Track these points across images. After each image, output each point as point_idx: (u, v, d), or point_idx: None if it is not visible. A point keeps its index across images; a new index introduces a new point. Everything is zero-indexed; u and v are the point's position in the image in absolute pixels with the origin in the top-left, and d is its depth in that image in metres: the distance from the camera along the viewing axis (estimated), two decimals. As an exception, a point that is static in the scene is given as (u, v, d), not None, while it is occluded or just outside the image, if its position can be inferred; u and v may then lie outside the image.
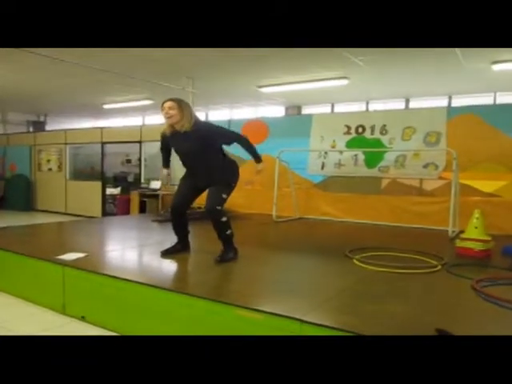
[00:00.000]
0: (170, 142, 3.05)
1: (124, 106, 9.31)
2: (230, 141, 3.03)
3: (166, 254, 3.19)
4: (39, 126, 11.62)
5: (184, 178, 3.17)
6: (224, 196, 2.94)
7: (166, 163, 3.30)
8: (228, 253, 2.99)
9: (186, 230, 3.26)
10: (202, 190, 3.14)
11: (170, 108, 2.84)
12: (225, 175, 3.00)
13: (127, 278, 2.53)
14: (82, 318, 2.65)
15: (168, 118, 2.86)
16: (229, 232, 2.98)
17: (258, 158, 3.08)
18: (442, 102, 7.59)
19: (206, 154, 2.92)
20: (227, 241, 3.01)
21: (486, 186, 4.75)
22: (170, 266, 3.09)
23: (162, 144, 3.18)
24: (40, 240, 4.14)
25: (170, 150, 3.20)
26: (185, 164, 3.09)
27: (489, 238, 3.34)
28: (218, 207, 2.89)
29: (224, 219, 2.93)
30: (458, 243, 3.44)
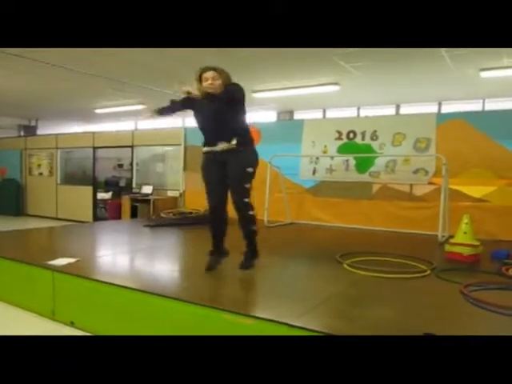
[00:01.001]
0: (195, 105, 2.84)
1: (116, 111, 9.28)
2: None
3: (210, 269, 2.86)
4: (30, 130, 11.52)
5: (204, 167, 2.91)
6: (247, 186, 2.77)
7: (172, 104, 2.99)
8: (251, 259, 2.87)
9: (225, 233, 2.96)
10: (225, 169, 2.83)
11: (213, 78, 2.66)
12: (248, 155, 2.79)
13: (118, 283, 2.52)
14: (72, 324, 2.63)
15: (213, 88, 2.64)
16: (254, 228, 2.85)
17: None
18: (432, 108, 7.70)
19: (230, 119, 2.73)
20: (252, 238, 2.88)
21: (475, 191, 4.82)
22: (161, 272, 3.08)
23: (183, 100, 2.87)
24: (30, 245, 4.09)
25: (182, 109, 2.98)
26: (207, 130, 2.84)
27: (478, 243, 3.39)
28: (246, 199, 2.76)
29: (251, 213, 2.81)
30: (448, 248, 3.49)
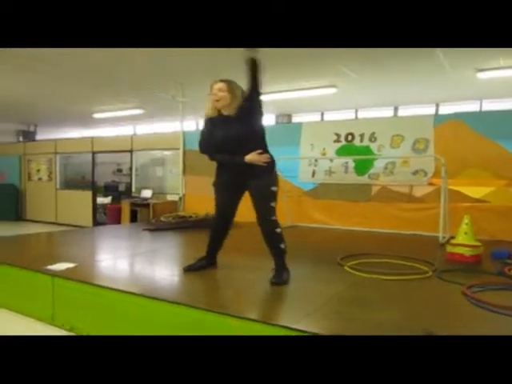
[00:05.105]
0: (212, 129, 2.70)
1: (114, 116, 9.29)
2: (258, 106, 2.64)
3: (189, 270, 2.91)
4: (29, 135, 11.52)
5: (219, 182, 2.82)
6: (273, 204, 2.64)
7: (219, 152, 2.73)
8: (282, 274, 2.68)
9: (221, 244, 2.96)
10: (242, 193, 2.79)
11: (219, 90, 2.58)
12: (269, 173, 2.67)
13: (118, 287, 2.51)
14: (71, 329, 2.61)
15: (216, 101, 2.59)
16: (283, 246, 2.68)
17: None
18: (430, 110, 7.72)
19: (251, 141, 2.61)
20: (280, 257, 2.69)
21: (475, 191, 4.82)
22: (161, 276, 3.07)
23: (206, 127, 2.74)
24: (29, 250, 4.07)
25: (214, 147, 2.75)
26: (224, 152, 2.68)
27: (478, 244, 3.38)
28: (272, 217, 2.63)
29: (279, 230, 2.66)
30: (449, 249, 3.48)
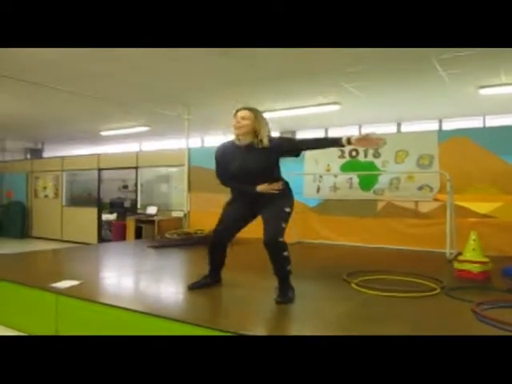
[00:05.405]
0: (228, 156, 2.68)
1: (121, 133, 9.41)
2: (296, 149, 2.67)
3: (194, 287, 2.88)
4: (37, 153, 11.68)
5: (231, 203, 2.81)
6: (283, 225, 2.56)
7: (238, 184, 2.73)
8: (288, 292, 2.62)
9: (223, 263, 2.93)
10: (252, 218, 2.80)
11: (242, 118, 2.57)
12: (282, 197, 2.65)
13: (122, 305, 2.49)
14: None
15: (237, 128, 2.58)
16: (289, 268, 2.61)
17: (336, 143, 2.52)
18: (433, 126, 7.75)
19: (268, 173, 2.61)
20: (286, 278, 2.64)
21: (481, 207, 4.78)
22: (166, 293, 3.05)
23: (219, 162, 2.73)
24: (34, 268, 4.07)
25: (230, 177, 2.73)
26: (240, 180, 2.67)
27: (487, 260, 3.33)
28: (280, 239, 2.53)
29: (286, 254, 2.57)
30: (457, 265, 3.43)
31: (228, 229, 2.78)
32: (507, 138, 4.76)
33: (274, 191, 2.61)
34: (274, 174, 2.67)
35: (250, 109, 2.62)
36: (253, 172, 2.60)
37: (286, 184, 2.74)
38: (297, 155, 2.71)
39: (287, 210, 2.63)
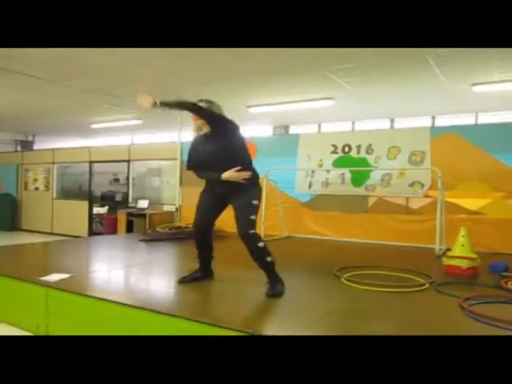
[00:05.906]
0: (196, 147, 2.85)
1: (112, 126, 9.32)
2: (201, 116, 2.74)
3: (183, 281, 2.91)
4: (27, 145, 11.54)
5: (204, 193, 2.91)
6: (252, 217, 2.64)
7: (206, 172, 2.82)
8: (276, 285, 2.66)
9: (211, 255, 2.98)
10: (224, 206, 2.85)
11: (192, 119, 2.78)
12: (250, 189, 2.70)
13: (112, 299, 2.47)
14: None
15: (194, 120, 2.77)
16: (269, 259, 2.66)
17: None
18: (426, 122, 7.79)
19: (228, 157, 2.68)
20: (269, 269, 2.68)
21: (471, 203, 4.83)
22: (157, 287, 3.04)
23: (191, 145, 2.93)
24: (24, 260, 4.03)
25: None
26: (206, 169, 2.78)
27: (475, 256, 3.37)
28: (251, 231, 2.61)
29: (261, 244, 2.63)
30: (445, 261, 3.47)
31: (203, 219, 2.88)
32: (498, 136, 4.80)
33: (241, 181, 2.65)
34: (236, 159, 2.69)
35: (202, 100, 2.72)
36: (212, 157, 2.70)
37: (254, 173, 2.79)
38: (212, 123, 2.71)
39: (255, 202, 2.71)
